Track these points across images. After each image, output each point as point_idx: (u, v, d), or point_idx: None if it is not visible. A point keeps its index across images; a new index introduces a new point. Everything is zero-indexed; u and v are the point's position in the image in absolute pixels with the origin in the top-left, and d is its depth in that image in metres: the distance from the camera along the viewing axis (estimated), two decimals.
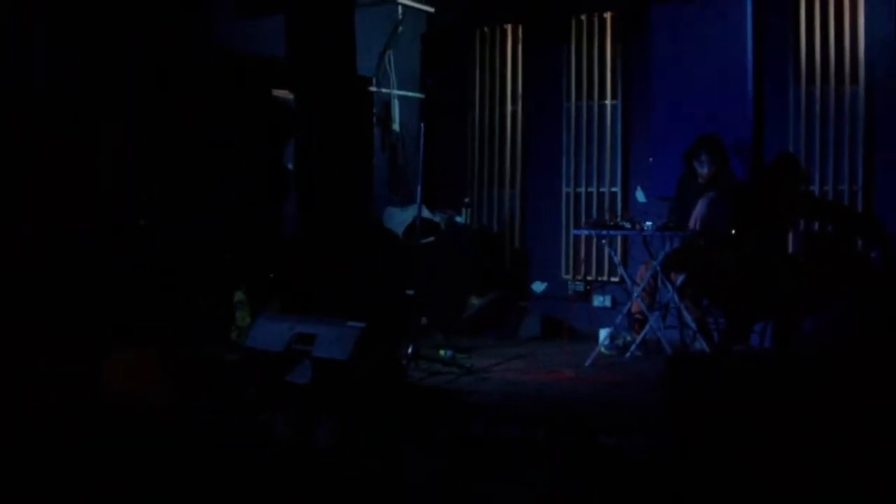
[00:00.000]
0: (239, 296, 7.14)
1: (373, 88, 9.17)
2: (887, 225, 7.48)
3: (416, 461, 4.58)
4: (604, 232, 7.65)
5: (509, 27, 9.65)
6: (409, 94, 9.50)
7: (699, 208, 7.41)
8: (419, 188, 7.34)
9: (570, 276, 9.19)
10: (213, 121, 7.09)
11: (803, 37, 8.03)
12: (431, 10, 9.65)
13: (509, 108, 9.65)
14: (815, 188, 7.96)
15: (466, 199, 9.60)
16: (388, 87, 9.32)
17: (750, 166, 8.11)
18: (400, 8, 9.14)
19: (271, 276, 7.39)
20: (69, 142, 6.25)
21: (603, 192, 9.07)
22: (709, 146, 7.62)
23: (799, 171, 7.35)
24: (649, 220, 7.29)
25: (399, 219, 8.74)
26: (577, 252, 9.13)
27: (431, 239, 8.58)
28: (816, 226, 7.88)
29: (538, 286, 9.30)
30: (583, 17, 9.18)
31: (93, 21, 6.42)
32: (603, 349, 7.58)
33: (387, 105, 9.34)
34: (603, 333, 7.73)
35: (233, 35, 7.46)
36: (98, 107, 6.46)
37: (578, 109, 9.20)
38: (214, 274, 6.99)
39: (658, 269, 7.32)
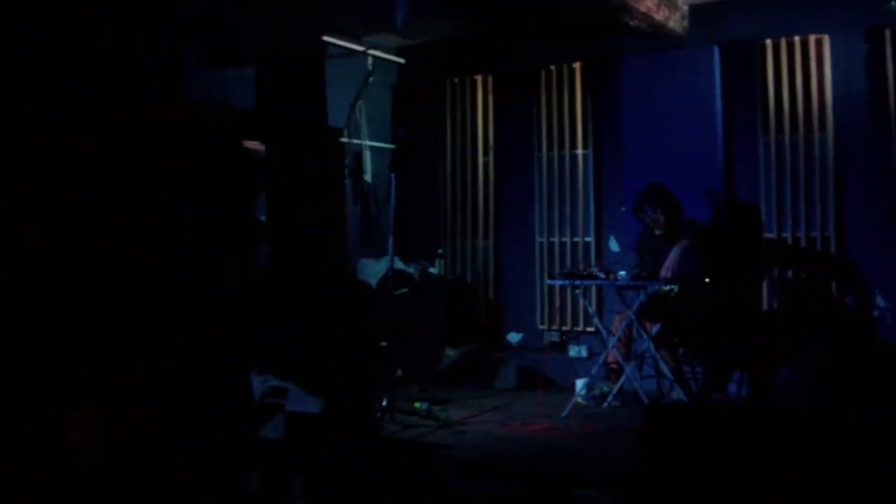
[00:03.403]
0: None
1: (344, 140, 9.14)
2: (861, 269, 7.51)
3: None
4: (577, 282, 7.60)
5: (479, 78, 9.69)
6: (381, 144, 9.49)
7: (672, 256, 7.37)
8: (391, 239, 7.30)
9: (545, 327, 9.16)
10: (182, 174, 7.02)
11: (771, 86, 8.10)
12: (402, 60, 9.68)
13: (481, 158, 9.67)
14: (788, 235, 7.99)
15: (440, 250, 9.58)
16: (360, 139, 9.31)
17: (721, 215, 8.12)
18: (370, 59, 9.14)
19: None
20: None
21: (576, 242, 9.07)
22: (647, 197, 7.64)
23: (759, 218, 7.43)
24: (623, 270, 7.29)
25: (372, 270, 8.68)
26: (551, 302, 9.11)
27: (405, 290, 8.54)
28: (790, 273, 7.90)
29: (513, 337, 9.26)
30: (552, 68, 9.23)
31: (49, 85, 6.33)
32: (580, 399, 7.53)
33: (358, 156, 9.32)
34: (579, 384, 7.67)
35: (205, 88, 7.41)
36: (59, 165, 6.37)
37: (550, 159, 9.22)
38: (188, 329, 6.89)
39: (633, 318, 7.29)
